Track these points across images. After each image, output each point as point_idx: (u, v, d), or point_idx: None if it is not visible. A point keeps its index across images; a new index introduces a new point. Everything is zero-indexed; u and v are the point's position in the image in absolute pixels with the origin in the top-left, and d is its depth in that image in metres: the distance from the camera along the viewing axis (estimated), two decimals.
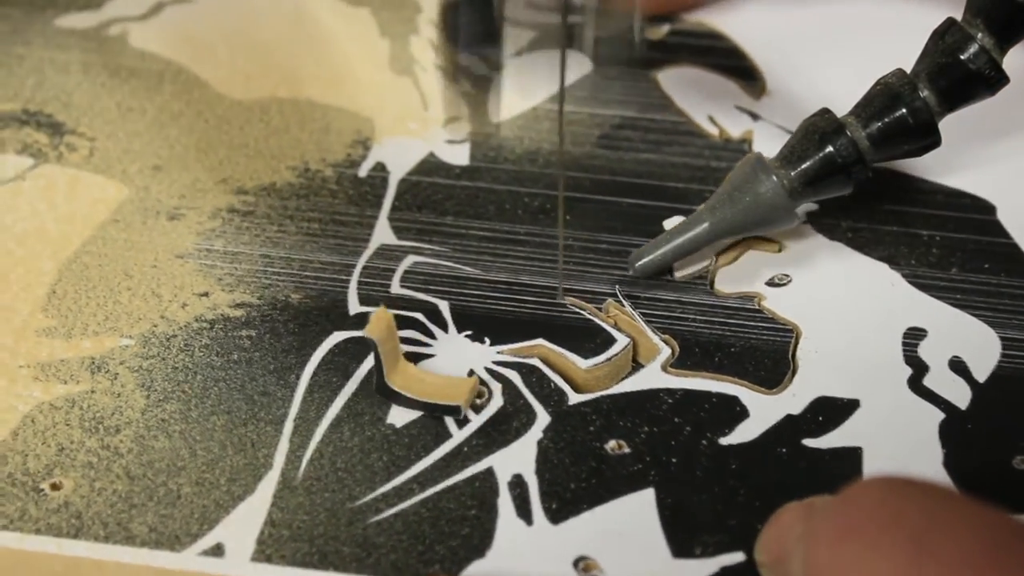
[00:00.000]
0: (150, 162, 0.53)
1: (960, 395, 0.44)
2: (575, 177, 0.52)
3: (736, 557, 0.39)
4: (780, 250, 0.49)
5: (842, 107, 0.48)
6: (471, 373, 0.44)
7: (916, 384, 0.44)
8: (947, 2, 0.49)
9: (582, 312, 0.46)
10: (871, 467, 0.41)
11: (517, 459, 0.41)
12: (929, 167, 0.52)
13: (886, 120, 0.46)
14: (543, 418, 0.43)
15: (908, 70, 0.47)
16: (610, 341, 0.45)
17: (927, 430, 0.43)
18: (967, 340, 0.46)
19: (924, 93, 0.46)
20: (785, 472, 0.41)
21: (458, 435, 0.42)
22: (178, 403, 0.43)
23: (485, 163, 0.53)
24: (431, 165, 0.53)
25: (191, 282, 0.47)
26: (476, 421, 0.43)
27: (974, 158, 0.53)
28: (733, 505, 0.40)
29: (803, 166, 0.46)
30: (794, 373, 0.45)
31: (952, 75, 0.46)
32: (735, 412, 0.43)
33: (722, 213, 0.46)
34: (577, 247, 0.49)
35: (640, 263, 0.47)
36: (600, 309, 0.46)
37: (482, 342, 0.45)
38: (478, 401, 0.43)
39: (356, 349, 0.45)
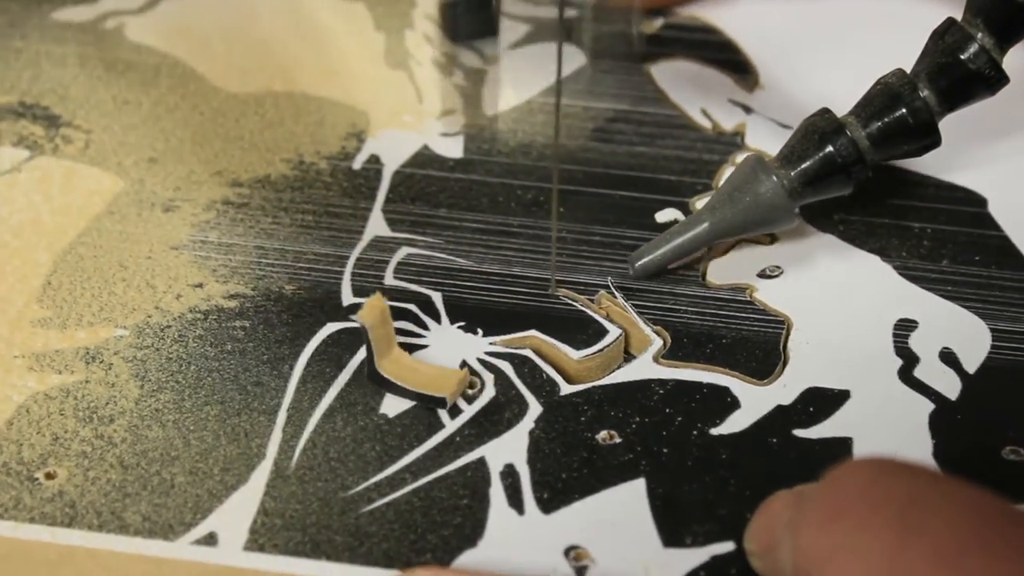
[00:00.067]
0: (145, 154, 0.53)
1: (950, 386, 0.44)
2: (568, 170, 0.53)
3: (726, 546, 0.39)
4: (772, 242, 0.49)
5: (835, 100, 0.48)
6: (464, 364, 0.44)
7: (906, 375, 0.44)
8: (947, 2, 0.49)
9: (574, 303, 0.47)
10: (861, 457, 0.42)
11: (509, 449, 0.42)
12: (921, 160, 0.52)
13: (886, 120, 0.46)
14: (535, 408, 0.43)
15: (904, 66, 0.47)
16: (602, 332, 0.45)
17: (917, 421, 0.43)
18: (958, 332, 0.46)
19: (924, 93, 0.46)
20: (775, 462, 0.41)
21: (450, 425, 0.42)
22: (172, 393, 0.43)
23: (479, 156, 0.54)
24: (425, 158, 0.54)
25: (186, 273, 0.48)
26: (468, 411, 0.43)
27: (965, 152, 0.54)
28: (723, 495, 0.40)
29: (803, 166, 0.46)
30: (785, 364, 0.45)
31: (952, 75, 0.46)
32: (726, 403, 0.43)
33: (722, 213, 0.47)
34: (570, 239, 0.49)
35: (640, 263, 0.47)
36: (592, 300, 0.47)
37: (475, 333, 0.45)
38: (470, 391, 0.43)
39: (349, 340, 0.45)
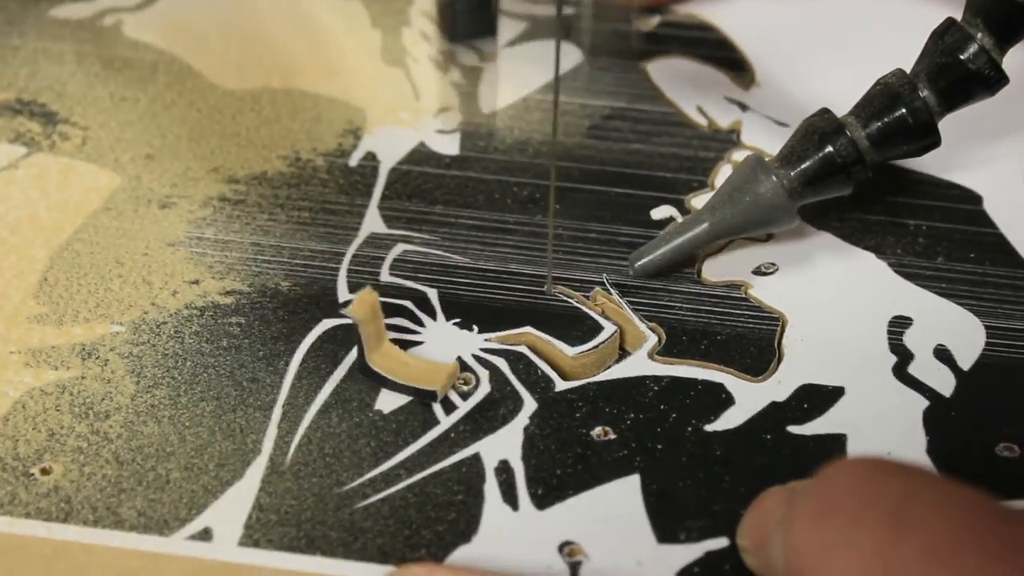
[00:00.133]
0: (142, 151, 0.53)
1: (944, 383, 0.44)
2: (565, 167, 0.53)
3: (720, 542, 0.39)
4: (767, 239, 0.50)
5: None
6: (459, 360, 0.44)
7: (901, 372, 0.45)
8: (947, 2, 0.49)
9: (570, 300, 0.47)
10: (855, 454, 0.42)
11: (504, 445, 0.42)
12: (916, 158, 0.52)
13: (886, 120, 0.46)
14: (530, 405, 0.43)
15: (899, 64, 0.47)
16: (597, 329, 0.45)
17: (911, 417, 0.43)
18: (952, 329, 0.46)
19: (924, 93, 0.46)
20: (769, 458, 0.42)
21: (445, 421, 0.42)
22: (168, 389, 0.43)
23: (475, 153, 0.54)
24: (421, 154, 0.54)
25: (182, 270, 0.48)
26: (463, 407, 0.43)
27: (961, 150, 0.54)
28: (717, 491, 0.40)
29: (803, 166, 0.46)
30: (780, 361, 0.45)
31: (952, 75, 0.46)
32: (721, 399, 0.43)
33: (722, 213, 0.47)
34: (566, 236, 0.49)
35: (640, 263, 0.47)
36: (588, 297, 0.47)
37: (470, 330, 0.46)
38: (465, 388, 0.43)
39: (345, 336, 0.45)
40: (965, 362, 0.45)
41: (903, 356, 0.45)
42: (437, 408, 0.43)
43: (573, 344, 0.45)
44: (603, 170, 0.53)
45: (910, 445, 0.42)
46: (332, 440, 0.42)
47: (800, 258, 0.49)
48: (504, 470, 0.41)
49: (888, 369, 0.45)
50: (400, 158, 0.53)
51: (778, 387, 0.44)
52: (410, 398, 0.43)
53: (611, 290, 0.47)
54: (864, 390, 0.44)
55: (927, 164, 0.53)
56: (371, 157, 0.53)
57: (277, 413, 0.42)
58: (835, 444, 0.42)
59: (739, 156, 0.53)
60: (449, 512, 0.40)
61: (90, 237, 0.49)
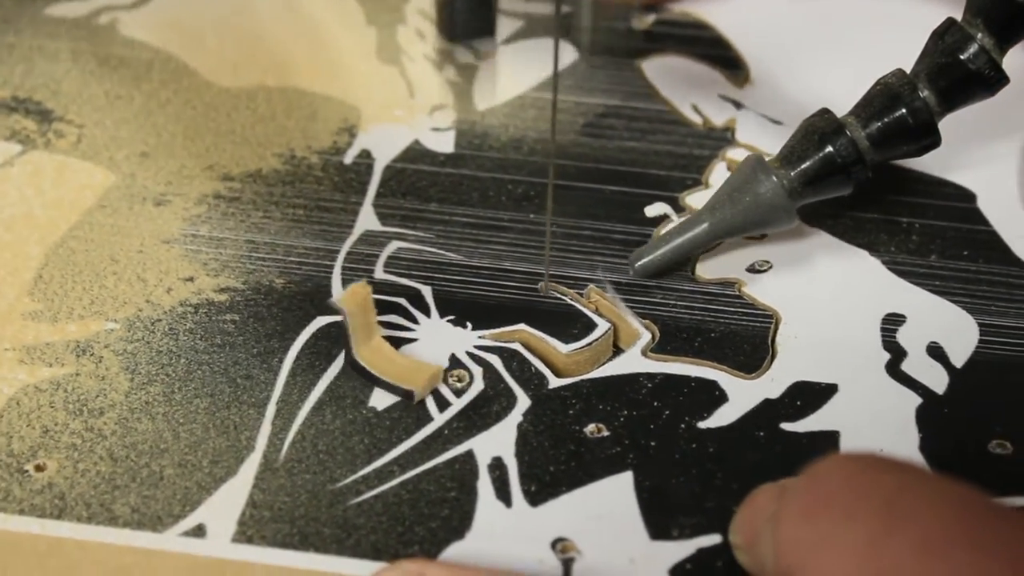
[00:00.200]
0: (137, 149, 0.53)
1: (937, 380, 0.44)
2: (559, 164, 0.53)
3: (713, 539, 0.39)
4: (761, 237, 0.50)
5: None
6: (452, 357, 0.44)
7: (894, 369, 0.45)
8: (947, 2, 0.49)
9: (563, 297, 0.47)
10: (848, 451, 0.42)
11: (497, 442, 0.42)
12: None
13: (886, 120, 0.46)
14: (523, 402, 0.43)
15: (899, 64, 0.47)
16: (591, 326, 0.45)
17: (904, 414, 0.43)
18: (945, 326, 0.46)
19: (924, 93, 0.46)
20: (762, 455, 0.42)
21: (439, 418, 0.42)
22: (162, 386, 0.43)
23: (470, 150, 0.54)
24: (416, 152, 0.54)
25: (176, 267, 0.48)
26: (457, 404, 0.43)
27: (955, 148, 0.54)
28: (710, 488, 0.41)
29: (803, 166, 0.46)
30: (773, 358, 0.45)
31: (952, 75, 0.46)
32: (714, 396, 0.44)
33: (722, 213, 0.47)
34: (560, 233, 0.49)
35: (640, 263, 0.47)
36: (581, 295, 0.47)
37: (464, 327, 0.46)
38: (459, 385, 0.43)
39: (339, 333, 0.45)
40: (958, 359, 0.45)
41: (896, 353, 0.45)
42: (431, 405, 0.43)
43: (567, 341, 0.45)
44: (598, 168, 0.53)
45: (903, 442, 0.42)
46: (326, 437, 0.42)
47: (794, 256, 0.49)
48: (497, 467, 0.41)
49: (881, 366, 0.45)
50: (395, 156, 0.53)
51: (771, 384, 0.44)
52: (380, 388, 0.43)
53: (605, 287, 0.47)
54: (857, 387, 0.44)
55: (921, 162, 0.53)
56: (366, 155, 0.53)
57: (271, 410, 0.43)
58: (828, 441, 0.42)
59: (733, 154, 0.53)
60: (442, 509, 0.40)
61: (85, 234, 0.49)
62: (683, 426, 0.42)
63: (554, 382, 0.44)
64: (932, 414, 0.43)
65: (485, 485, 0.40)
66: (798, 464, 0.40)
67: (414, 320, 0.46)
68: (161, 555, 0.38)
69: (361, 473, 0.41)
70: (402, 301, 0.46)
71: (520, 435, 0.42)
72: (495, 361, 0.44)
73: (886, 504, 0.31)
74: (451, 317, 0.46)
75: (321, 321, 0.46)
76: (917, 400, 0.44)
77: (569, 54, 0.60)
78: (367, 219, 0.50)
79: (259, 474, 0.41)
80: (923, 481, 0.33)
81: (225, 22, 0.61)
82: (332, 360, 0.44)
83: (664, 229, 0.50)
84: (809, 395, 0.44)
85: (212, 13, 0.62)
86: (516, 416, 0.43)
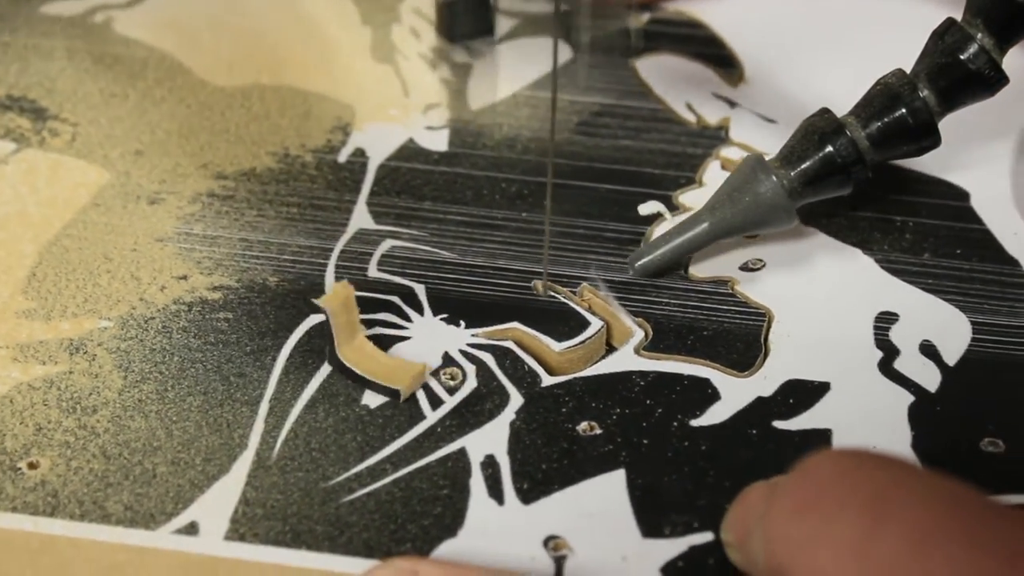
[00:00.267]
0: (132, 147, 0.53)
1: (930, 378, 0.44)
2: (554, 163, 0.53)
3: (705, 537, 0.39)
4: (755, 236, 0.50)
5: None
6: (446, 355, 0.44)
7: (887, 367, 0.45)
8: (947, 2, 0.49)
9: (557, 296, 0.47)
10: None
11: (490, 440, 0.42)
12: None
13: (886, 120, 0.46)
14: (516, 400, 0.43)
15: (899, 64, 0.47)
16: (584, 324, 0.45)
17: (897, 413, 0.43)
18: (938, 324, 0.46)
19: (924, 93, 0.46)
20: (755, 453, 0.42)
21: (432, 416, 0.42)
22: (155, 384, 0.43)
23: (464, 149, 0.54)
24: (410, 151, 0.54)
25: (170, 265, 0.48)
26: (450, 402, 0.43)
27: (949, 146, 0.54)
28: (703, 486, 0.41)
29: (803, 166, 0.46)
30: (766, 356, 0.45)
31: (952, 75, 0.46)
32: (707, 394, 0.44)
33: (722, 213, 0.47)
34: (554, 232, 0.49)
35: (640, 263, 0.47)
36: (575, 293, 0.47)
37: (457, 325, 0.46)
38: (452, 383, 0.44)
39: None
40: (951, 358, 0.45)
41: (889, 352, 0.45)
42: (423, 403, 0.43)
43: (560, 339, 0.45)
44: (592, 166, 0.53)
45: (895, 440, 0.42)
46: (318, 435, 0.42)
47: (787, 254, 0.49)
48: (490, 465, 0.41)
49: (874, 364, 0.45)
50: (389, 154, 0.53)
51: (764, 382, 0.44)
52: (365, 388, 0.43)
53: (598, 285, 0.47)
54: (850, 385, 0.44)
55: (915, 160, 0.53)
56: (360, 153, 0.53)
57: (264, 408, 0.43)
58: (820, 439, 0.42)
59: (727, 152, 0.53)
60: (435, 506, 0.40)
61: (79, 233, 0.49)
62: (676, 424, 0.42)
63: (547, 380, 0.44)
64: (924, 412, 0.43)
65: (478, 483, 0.40)
66: (790, 462, 0.40)
67: (407, 318, 0.46)
68: (154, 553, 0.39)
69: (354, 471, 0.41)
70: (396, 299, 0.46)
71: (513, 433, 0.42)
72: (488, 359, 0.44)
73: (877, 499, 0.31)
74: (444, 315, 0.46)
75: (314, 319, 0.46)
76: (910, 398, 0.44)
77: (564, 53, 0.60)
78: (361, 217, 0.50)
79: (252, 472, 0.41)
80: (913, 476, 0.33)
81: (220, 21, 0.61)
82: (325, 358, 0.44)
83: (658, 227, 0.50)
84: (802, 393, 0.44)
85: (207, 12, 0.62)
86: (509, 414, 0.43)
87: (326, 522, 0.39)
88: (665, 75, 0.58)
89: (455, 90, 0.57)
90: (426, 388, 0.43)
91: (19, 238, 0.49)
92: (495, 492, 0.40)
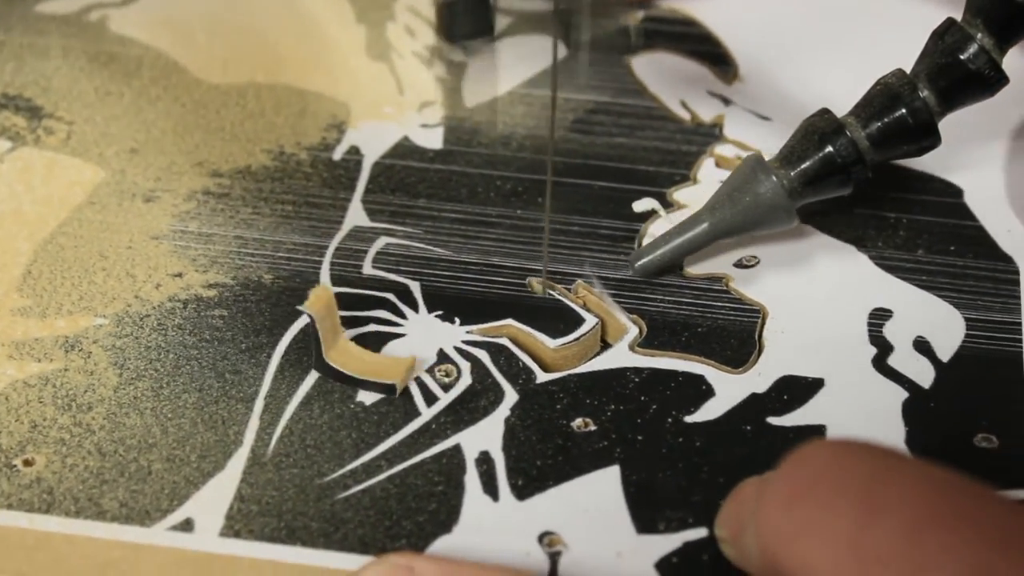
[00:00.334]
0: (127, 145, 0.53)
1: (924, 374, 0.44)
2: (553, 161, 0.53)
3: (699, 533, 0.39)
4: None
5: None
6: (441, 352, 0.45)
7: (881, 363, 0.45)
8: (947, 2, 0.49)
9: (552, 292, 0.47)
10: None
11: (485, 436, 0.42)
12: None
13: (886, 120, 0.46)
14: (511, 396, 0.43)
15: (899, 64, 0.47)
16: (578, 321, 0.45)
17: (891, 409, 0.43)
18: (932, 320, 0.46)
19: (924, 93, 0.46)
20: (749, 449, 0.42)
21: (426, 413, 0.43)
22: (150, 381, 0.43)
23: (459, 147, 0.54)
24: (405, 149, 0.54)
25: (165, 263, 0.48)
26: (444, 399, 0.43)
27: (944, 144, 0.54)
28: (697, 482, 0.41)
29: (803, 166, 0.46)
30: (760, 352, 0.45)
31: (952, 75, 0.46)
32: (701, 391, 0.44)
33: (722, 213, 0.47)
34: (549, 229, 0.49)
35: (640, 263, 0.47)
36: (569, 290, 0.47)
37: (452, 322, 0.46)
38: (447, 379, 0.44)
39: None
40: (944, 354, 0.45)
41: (883, 348, 0.45)
42: (418, 399, 0.43)
43: (554, 336, 0.45)
44: (586, 164, 0.53)
45: (889, 436, 0.42)
46: (313, 431, 0.42)
47: (781, 251, 0.49)
48: (485, 461, 0.41)
49: (868, 361, 0.45)
50: (384, 152, 0.53)
51: (758, 379, 0.44)
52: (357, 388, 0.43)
53: (593, 282, 0.47)
54: (844, 382, 0.44)
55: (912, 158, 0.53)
56: (355, 151, 0.53)
57: (259, 405, 0.43)
58: (814, 435, 0.42)
59: (722, 150, 0.53)
60: (430, 503, 0.40)
61: (74, 231, 0.49)
62: (670, 420, 0.43)
63: (542, 377, 0.44)
64: (918, 408, 0.43)
65: (472, 479, 0.41)
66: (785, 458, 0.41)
67: (402, 315, 0.46)
68: (149, 549, 0.39)
69: (349, 467, 0.41)
70: (391, 296, 0.47)
71: (507, 429, 0.42)
72: (483, 356, 0.45)
73: (869, 488, 0.31)
74: (439, 312, 0.46)
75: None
76: (903, 394, 0.44)
77: (559, 51, 0.60)
78: (356, 215, 0.50)
79: (247, 469, 0.41)
80: (905, 465, 0.33)
81: (215, 19, 0.61)
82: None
83: (653, 224, 0.50)
84: (796, 389, 0.44)
85: (202, 10, 0.62)
86: (504, 411, 0.43)
87: (321, 518, 0.39)
88: (660, 73, 0.58)
89: (450, 88, 0.57)
90: (421, 385, 0.43)
91: (14, 236, 0.49)
92: (490, 488, 0.40)
